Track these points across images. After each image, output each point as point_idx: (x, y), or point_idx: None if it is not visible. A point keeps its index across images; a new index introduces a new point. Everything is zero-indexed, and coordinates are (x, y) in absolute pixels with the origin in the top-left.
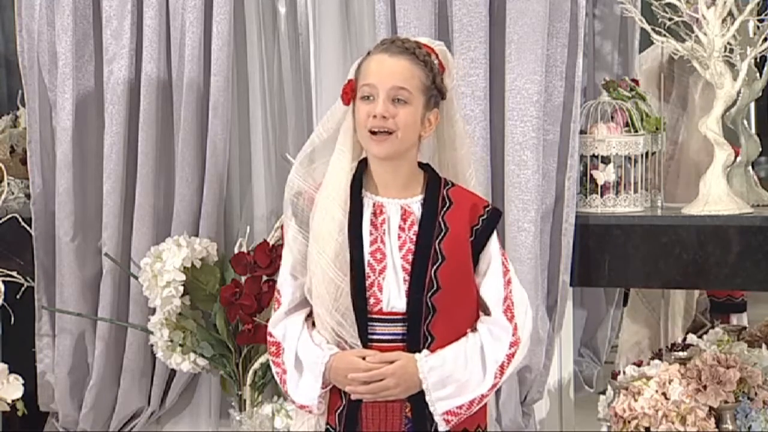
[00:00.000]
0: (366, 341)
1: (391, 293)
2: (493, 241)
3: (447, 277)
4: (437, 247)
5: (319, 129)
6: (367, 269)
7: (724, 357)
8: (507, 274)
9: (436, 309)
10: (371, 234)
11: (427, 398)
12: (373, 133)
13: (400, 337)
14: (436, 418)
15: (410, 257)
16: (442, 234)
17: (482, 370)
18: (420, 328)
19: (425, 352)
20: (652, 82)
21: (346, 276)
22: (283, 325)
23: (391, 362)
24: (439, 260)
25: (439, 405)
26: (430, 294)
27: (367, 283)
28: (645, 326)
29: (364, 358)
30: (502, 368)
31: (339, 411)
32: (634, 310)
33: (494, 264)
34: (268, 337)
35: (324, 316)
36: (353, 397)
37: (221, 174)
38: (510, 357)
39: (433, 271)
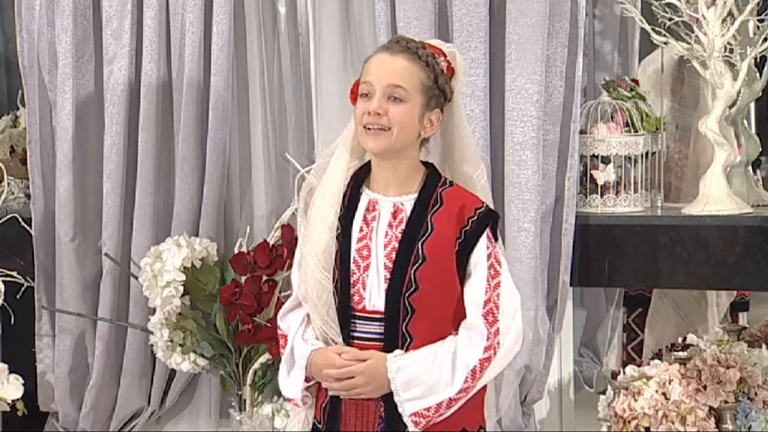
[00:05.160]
0: (348, 339)
1: (372, 291)
2: (482, 243)
3: (427, 278)
4: (420, 247)
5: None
6: (353, 266)
7: (724, 357)
8: (496, 277)
9: (415, 309)
10: (361, 230)
11: (396, 399)
12: (367, 129)
13: (379, 336)
14: (405, 419)
15: (393, 256)
16: (427, 234)
17: (451, 373)
18: (398, 328)
19: (397, 352)
20: (663, 85)
21: (329, 274)
22: (288, 319)
23: (364, 360)
24: (420, 260)
25: (407, 406)
26: (408, 294)
27: (352, 279)
28: (670, 331)
29: (341, 355)
30: (474, 373)
31: (324, 406)
32: (658, 314)
33: (479, 267)
34: (278, 330)
35: (311, 312)
36: (330, 393)
37: (221, 174)
38: (484, 362)
39: (412, 271)
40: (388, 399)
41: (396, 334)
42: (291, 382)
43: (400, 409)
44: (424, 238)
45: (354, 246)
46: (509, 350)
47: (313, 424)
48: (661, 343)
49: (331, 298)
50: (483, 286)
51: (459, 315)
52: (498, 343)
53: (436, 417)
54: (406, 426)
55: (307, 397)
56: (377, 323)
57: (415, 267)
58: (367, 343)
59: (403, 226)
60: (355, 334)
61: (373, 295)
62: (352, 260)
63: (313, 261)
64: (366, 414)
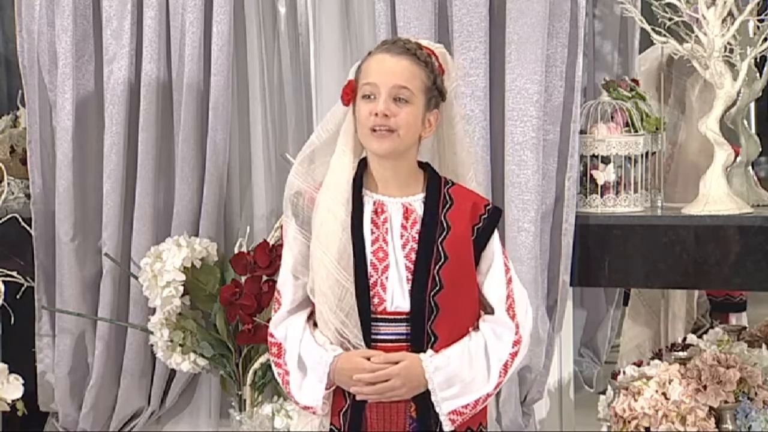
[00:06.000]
0: (370, 341)
1: (395, 293)
2: (495, 239)
3: (449, 276)
4: (440, 245)
5: (318, 130)
6: (370, 269)
7: (724, 357)
8: (508, 272)
9: (440, 308)
10: (373, 233)
11: (433, 398)
12: (374, 130)
13: (404, 336)
14: (442, 418)
15: (413, 256)
16: (444, 233)
17: (486, 369)
18: (424, 328)
19: (430, 352)
20: (651, 83)
21: (350, 276)
22: (284, 326)
23: (396, 362)
24: (442, 259)
25: (444, 405)
26: (433, 293)
27: (370, 282)
28: (646, 328)
29: (368, 359)
30: (506, 367)
31: (343, 411)
32: (635, 312)
33: (496, 263)
34: (269, 338)
35: (328, 316)
36: (358, 397)
37: (221, 174)
38: (513, 356)
39: (436, 270)
40: (420, 398)
41: (422, 334)
42: (309, 389)
43: (437, 409)
44: (442, 237)
45: (369, 249)
46: (526, 343)
47: (331, 430)
48: (632, 343)
49: (353, 300)
50: (502, 281)
51: (475, 311)
52: (521, 337)
53: (471, 413)
54: (438, 424)
55: (325, 404)
56: (402, 324)
57: (438, 266)
58: (391, 344)
59: (418, 226)
60: (379, 337)
61: (395, 296)
62: (368, 263)
63: (330, 262)
64: (395, 416)
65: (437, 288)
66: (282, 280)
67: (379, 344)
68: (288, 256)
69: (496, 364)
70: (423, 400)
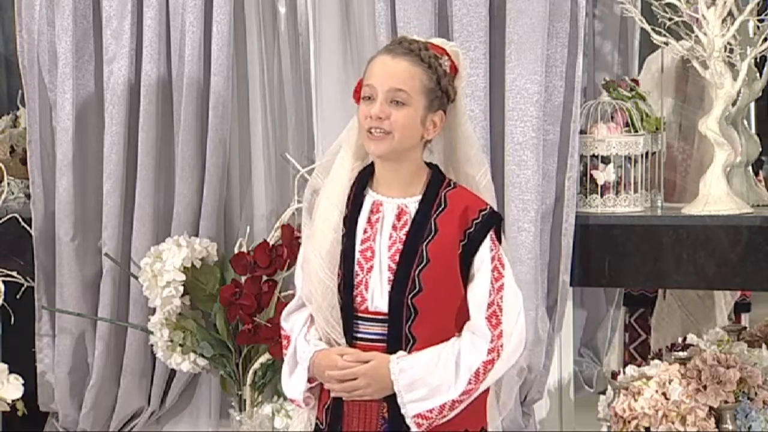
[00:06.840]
0: (351, 339)
1: (375, 293)
2: (485, 245)
3: (430, 280)
4: (423, 249)
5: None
6: (356, 267)
7: (724, 357)
8: (499, 279)
9: (418, 310)
10: (365, 232)
11: (399, 400)
12: (369, 132)
13: (383, 337)
14: (407, 421)
15: (397, 258)
16: (431, 236)
17: (454, 375)
18: (401, 329)
19: (400, 353)
20: (667, 83)
21: (333, 275)
22: (291, 320)
23: (366, 362)
24: (424, 262)
25: (409, 407)
26: (411, 295)
27: (356, 281)
28: (681, 329)
29: (343, 356)
30: (477, 375)
31: (326, 407)
32: (663, 315)
33: (483, 269)
34: (281, 330)
35: (315, 313)
36: (332, 394)
37: (221, 174)
38: (487, 364)
39: (416, 273)
40: (392, 400)
41: (399, 335)
42: (293, 382)
43: (402, 411)
44: (427, 240)
45: (358, 247)
46: (512, 353)
47: (316, 425)
48: (667, 342)
49: (335, 299)
50: (486, 288)
51: (463, 317)
52: (501, 346)
53: (439, 419)
54: (409, 427)
55: (310, 398)
56: (380, 324)
57: (418, 269)
58: (370, 344)
59: (407, 228)
60: (359, 335)
61: (375, 296)
62: (355, 261)
63: (318, 262)
64: (369, 415)
65: (416, 290)
66: (296, 273)
67: (359, 343)
68: (301, 252)
69: (465, 371)
70: (394, 402)
